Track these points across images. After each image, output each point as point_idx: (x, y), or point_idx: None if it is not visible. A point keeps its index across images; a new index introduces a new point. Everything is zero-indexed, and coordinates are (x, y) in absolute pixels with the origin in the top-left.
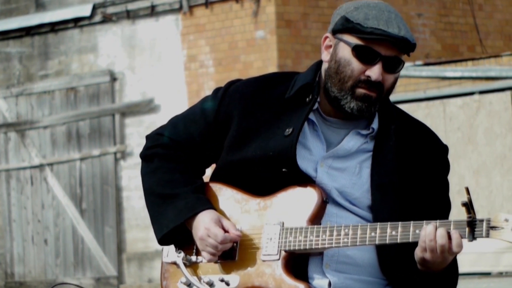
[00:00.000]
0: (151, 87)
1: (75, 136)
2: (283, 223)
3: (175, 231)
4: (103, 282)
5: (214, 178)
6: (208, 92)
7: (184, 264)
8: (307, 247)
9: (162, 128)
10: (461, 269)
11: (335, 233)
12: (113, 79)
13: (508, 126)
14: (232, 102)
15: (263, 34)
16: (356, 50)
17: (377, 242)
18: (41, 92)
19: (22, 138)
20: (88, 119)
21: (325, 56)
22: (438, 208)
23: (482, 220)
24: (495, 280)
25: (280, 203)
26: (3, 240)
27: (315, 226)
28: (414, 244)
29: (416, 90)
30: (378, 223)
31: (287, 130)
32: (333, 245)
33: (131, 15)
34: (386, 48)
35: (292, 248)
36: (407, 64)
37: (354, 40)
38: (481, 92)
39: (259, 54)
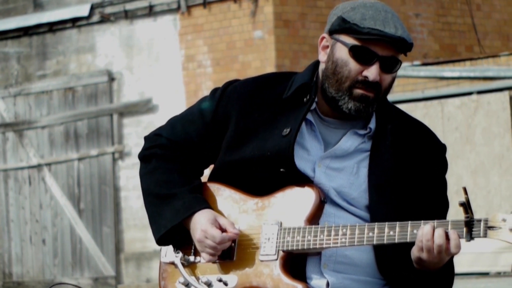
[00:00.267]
0: (149, 87)
1: (73, 136)
2: (281, 223)
3: (173, 231)
4: (101, 282)
5: (212, 178)
6: (206, 92)
7: (182, 264)
8: (305, 247)
9: (160, 128)
10: (459, 269)
11: (333, 233)
12: (111, 79)
13: (506, 126)
14: (230, 102)
15: (261, 34)
16: (353, 51)
17: (374, 242)
18: (39, 92)
19: (20, 138)
20: (86, 119)
21: (322, 56)
22: (436, 207)
23: (480, 220)
24: (493, 280)
25: (278, 203)
26: (1, 240)
27: (313, 226)
28: (412, 244)
29: (414, 90)
30: (376, 223)
31: (284, 130)
32: (331, 245)
33: (129, 15)
34: (383, 48)
35: (290, 248)
36: (405, 64)
37: (351, 41)
38: (479, 92)
39: (257, 54)
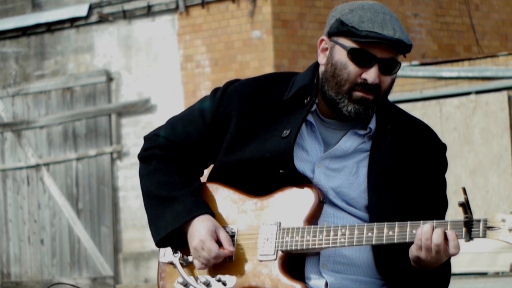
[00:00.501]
0: (147, 87)
1: (72, 136)
2: (280, 223)
3: (172, 234)
4: (100, 282)
5: (212, 178)
6: (204, 92)
7: (181, 264)
8: (304, 247)
9: (159, 129)
10: (457, 269)
11: (332, 233)
12: (110, 79)
13: (504, 126)
14: (231, 102)
15: (260, 34)
16: (351, 54)
17: (374, 242)
18: (37, 92)
19: (18, 138)
20: (85, 119)
21: (322, 59)
22: (435, 206)
23: (479, 220)
24: (491, 280)
25: (277, 203)
26: (0, 240)
27: (312, 226)
28: (411, 245)
29: (413, 90)
30: (375, 223)
31: (284, 132)
32: (330, 245)
33: (127, 15)
34: (382, 51)
35: (289, 248)
36: (403, 64)
37: (349, 44)
38: (478, 92)
39: (255, 54)
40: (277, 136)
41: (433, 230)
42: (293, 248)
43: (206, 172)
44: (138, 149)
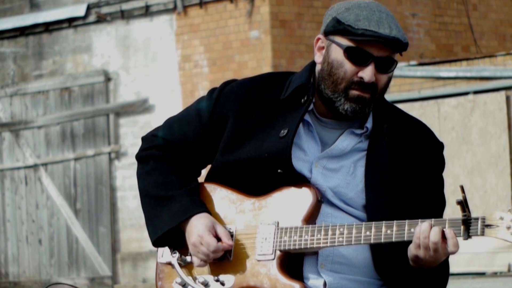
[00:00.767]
0: (145, 87)
1: (70, 136)
2: (278, 223)
3: (169, 234)
4: (98, 282)
5: (209, 178)
6: (202, 92)
7: (179, 264)
8: (302, 246)
9: (157, 129)
10: (456, 269)
11: (330, 232)
12: (108, 79)
13: (502, 126)
14: (227, 102)
15: (258, 34)
16: (348, 52)
17: (372, 241)
18: (35, 92)
19: (16, 138)
20: (83, 119)
21: (318, 57)
22: (433, 205)
23: (477, 219)
24: (489, 280)
25: (275, 203)
26: None
27: (310, 225)
28: (409, 243)
29: (411, 90)
30: (373, 222)
31: (282, 131)
32: (328, 244)
33: (125, 15)
34: (378, 49)
35: (287, 247)
36: (401, 64)
37: (345, 42)
38: (476, 92)
39: (253, 54)
40: (274, 136)
41: (431, 228)
42: (291, 247)
43: (204, 172)
44: (136, 149)
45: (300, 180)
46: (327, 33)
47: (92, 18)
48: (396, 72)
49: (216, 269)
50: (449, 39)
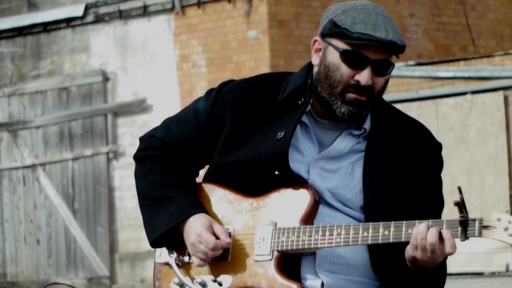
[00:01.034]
0: (143, 87)
1: (68, 136)
2: (275, 223)
3: (167, 234)
4: (96, 282)
5: (207, 179)
6: (200, 92)
7: (177, 264)
8: (300, 247)
9: (155, 130)
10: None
11: (327, 233)
12: (106, 79)
13: (500, 126)
14: (225, 103)
15: (256, 34)
16: (344, 55)
17: (369, 242)
18: (33, 92)
19: (14, 138)
20: (81, 119)
21: (315, 59)
22: (431, 206)
23: (474, 220)
24: (487, 280)
25: (272, 203)
26: None
27: (308, 226)
28: (407, 245)
29: (409, 90)
30: (371, 223)
31: (279, 133)
32: (326, 245)
33: (123, 15)
34: (375, 52)
35: (284, 248)
36: (399, 64)
37: (342, 45)
38: (474, 92)
39: (251, 54)
40: (271, 138)
41: (428, 230)
42: (289, 248)
43: (202, 172)
44: (134, 149)
45: (298, 182)
46: (324, 35)
47: (90, 18)
48: (394, 72)
49: (213, 269)
50: (447, 39)
